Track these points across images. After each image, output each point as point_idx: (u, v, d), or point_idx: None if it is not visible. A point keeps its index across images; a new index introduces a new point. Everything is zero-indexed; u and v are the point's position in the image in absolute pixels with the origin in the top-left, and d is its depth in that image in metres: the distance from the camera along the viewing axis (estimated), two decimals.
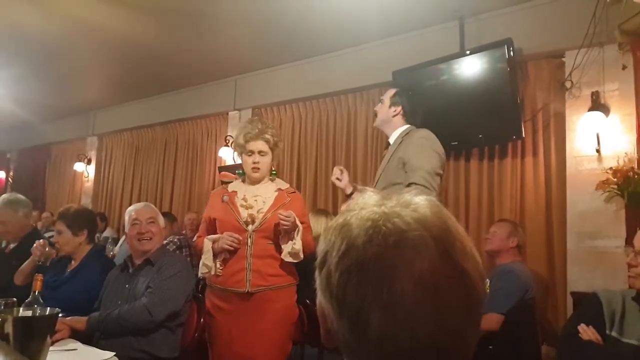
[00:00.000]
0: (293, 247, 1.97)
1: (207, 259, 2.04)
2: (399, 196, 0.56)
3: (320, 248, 0.57)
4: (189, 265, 2.18)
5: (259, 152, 2.13)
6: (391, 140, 2.31)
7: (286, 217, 1.95)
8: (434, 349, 0.49)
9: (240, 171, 2.14)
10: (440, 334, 0.49)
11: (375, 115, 2.43)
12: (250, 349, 1.96)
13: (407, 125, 2.29)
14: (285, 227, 1.96)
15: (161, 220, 2.20)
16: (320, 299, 0.56)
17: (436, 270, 0.49)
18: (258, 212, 2.06)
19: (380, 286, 0.49)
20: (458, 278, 0.50)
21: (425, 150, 2.09)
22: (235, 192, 2.16)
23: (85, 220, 2.31)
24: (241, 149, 2.17)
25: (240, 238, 2.00)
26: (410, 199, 0.55)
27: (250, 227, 2.03)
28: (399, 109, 2.30)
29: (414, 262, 0.49)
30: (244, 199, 2.11)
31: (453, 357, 0.51)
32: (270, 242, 2.05)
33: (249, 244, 2.01)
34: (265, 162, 2.15)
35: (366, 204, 0.56)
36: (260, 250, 2.02)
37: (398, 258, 0.49)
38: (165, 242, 2.95)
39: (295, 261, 2.02)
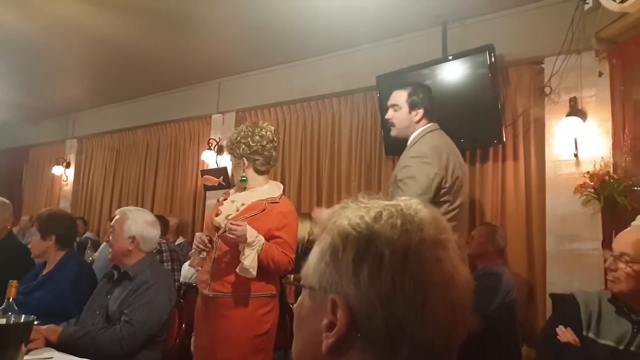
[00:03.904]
0: (242, 262, 1.81)
1: (192, 253, 2.07)
2: (399, 200, 0.58)
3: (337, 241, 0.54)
4: (169, 280, 2.06)
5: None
6: (408, 143, 2.06)
7: (234, 226, 1.80)
8: (429, 350, 0.49)
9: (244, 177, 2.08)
10: (435, 335, 0.49)
11: (391, 125, 2.10)
12: (212, 354, 1.92)
13: (422, 128, 2.04)
14: (230, 237, 1.82)
15: (130, 228, 1.98)
16: (344, 292, 0.51)
17: (454, 272, 0.52)
18: (227, 217, 1.96)
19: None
20: (463, 281, 0.54)
21: (414, 174, 1.87)
22: (229, 194, 2.14)
23: (55, 225, 2.22)
24: None
25: (207, 241, 1.97)
26: (409, 204, 0.57)
27: (218, 232, 1.97)
28: (421, 111, 2.04)
29: (446, 261, 0.52)
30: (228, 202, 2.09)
31: (440, 357, 0.51)
32: (232, 250, 1.93)
33: (214, 248, 1.98)
34: (234, 171, 2.15)
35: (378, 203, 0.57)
36: (223, 257, 1.95)
37: (441, 252, 0.52)
38: None
39: (248, 277, 1.83)
